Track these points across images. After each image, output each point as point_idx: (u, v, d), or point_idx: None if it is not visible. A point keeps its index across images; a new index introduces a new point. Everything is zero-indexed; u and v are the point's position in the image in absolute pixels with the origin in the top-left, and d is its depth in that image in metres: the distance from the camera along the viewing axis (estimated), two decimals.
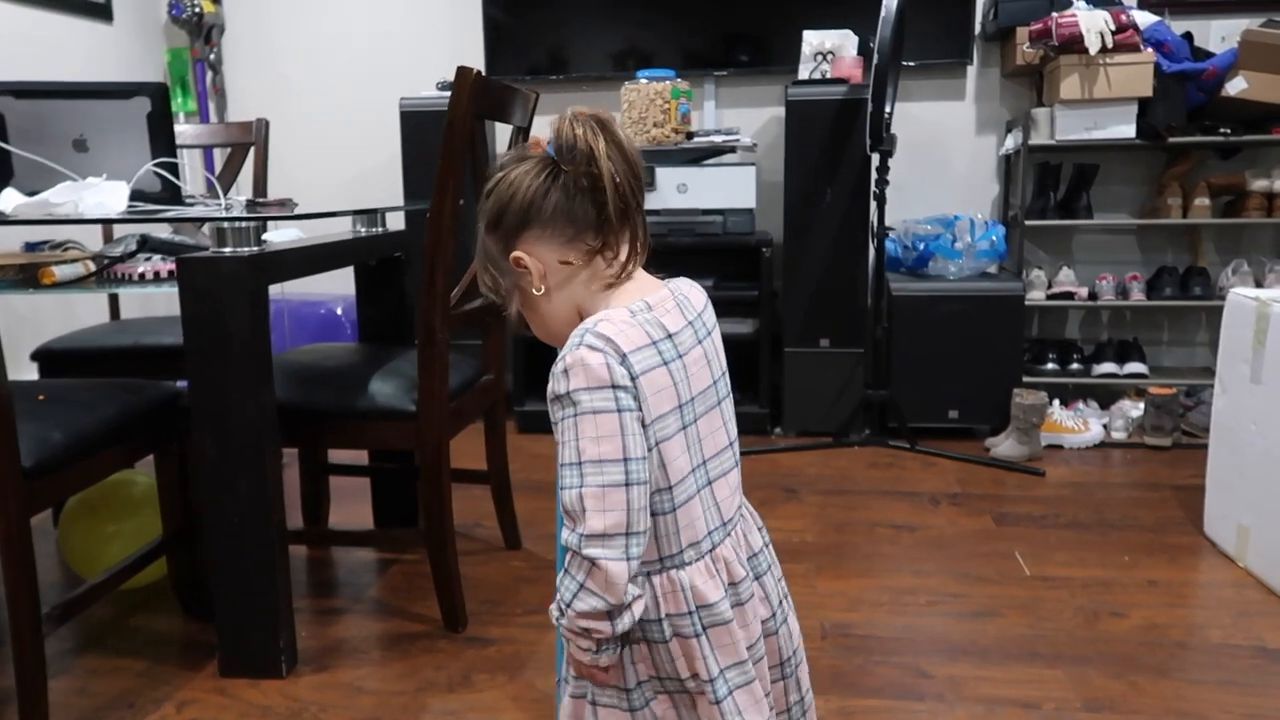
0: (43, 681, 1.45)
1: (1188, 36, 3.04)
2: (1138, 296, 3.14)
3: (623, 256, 0.92)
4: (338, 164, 3.82)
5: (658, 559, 0.89)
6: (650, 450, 0.86)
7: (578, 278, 0.92)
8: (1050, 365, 3.22)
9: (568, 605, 0.85)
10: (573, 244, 0.91)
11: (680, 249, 3.14)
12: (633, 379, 0.84)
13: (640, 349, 0.85)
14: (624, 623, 0.85)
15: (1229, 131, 2.96)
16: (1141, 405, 3.01)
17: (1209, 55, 3.00)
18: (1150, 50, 2.91)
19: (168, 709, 1.59)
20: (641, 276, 0.95)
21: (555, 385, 0.85)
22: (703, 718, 0.91)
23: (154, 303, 3.50)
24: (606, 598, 0.83)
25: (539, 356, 3.33)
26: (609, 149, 0.88)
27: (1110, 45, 2.88)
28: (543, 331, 0.97)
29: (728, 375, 0.99)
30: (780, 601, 1.00)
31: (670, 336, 0.89)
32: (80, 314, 3.13)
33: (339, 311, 3.50)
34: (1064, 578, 2.05)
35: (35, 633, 1.43)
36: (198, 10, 3.66)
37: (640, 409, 0.85)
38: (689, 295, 0.96)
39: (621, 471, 0.82)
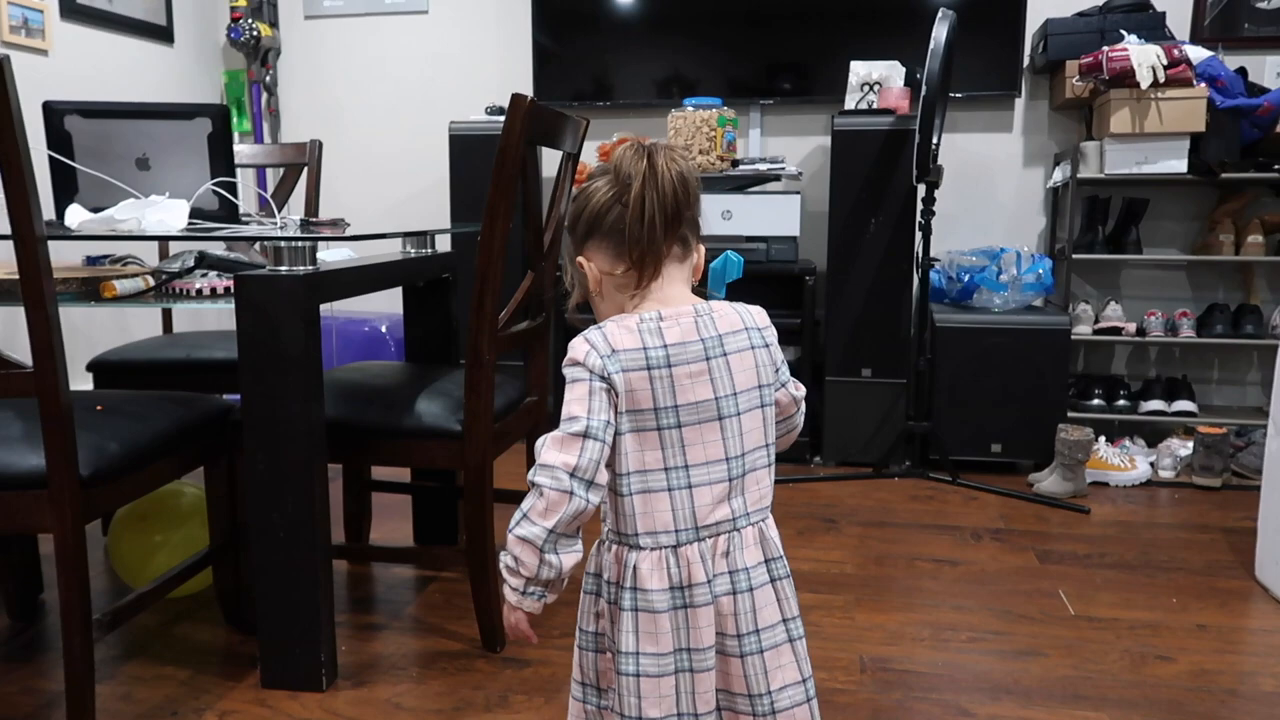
0: (91, 687, 1.47)
1: (1242, 72, 3.01)
2: (1187, 333, 3.09)
3: (646, 273, 1.00)
4: (385, 185, 3.89)
5: (616, 532, 1.01)
6: (617, 434, 0.96)
7: (620, 287, 1.02)
8: (1096, 401, 3.17)
9: (510, 530, 0.95)
10: (617, 258, 1.01)
11: None
12: (610, 372, 0.95)
13: (628, 350, 0.96)
14: (549, 570, 0.95)
15: None
16: (1190, 444, 2.95)
17: (1264, 91, 2.97)
18: (1203, 85, 2.88)
19: (209, 718, 1.61)
20: (671, 293, 1.03)
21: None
22: (611, 683, 1.01)
23: (204, 317, 3.57)
24: (544, 524, 0.93)
25: None
26: (647, 176, 0.97)
27: (1162, 80, 2.85)
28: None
29: (756, 397, 1.03)
30: (755, 632, 1.00)
31: (665, 346, 0.97)
32: (133, 327, 3.21)
33: (383, 329, 3.55)
34: (1109, 619, 2.01)
35: (86, 638, 1.45)
36: (255, 34, 3.76)
37: (614, 394, 0.96)
38: (717, 316, 1.02)
39: (583, 425, 0.94)
